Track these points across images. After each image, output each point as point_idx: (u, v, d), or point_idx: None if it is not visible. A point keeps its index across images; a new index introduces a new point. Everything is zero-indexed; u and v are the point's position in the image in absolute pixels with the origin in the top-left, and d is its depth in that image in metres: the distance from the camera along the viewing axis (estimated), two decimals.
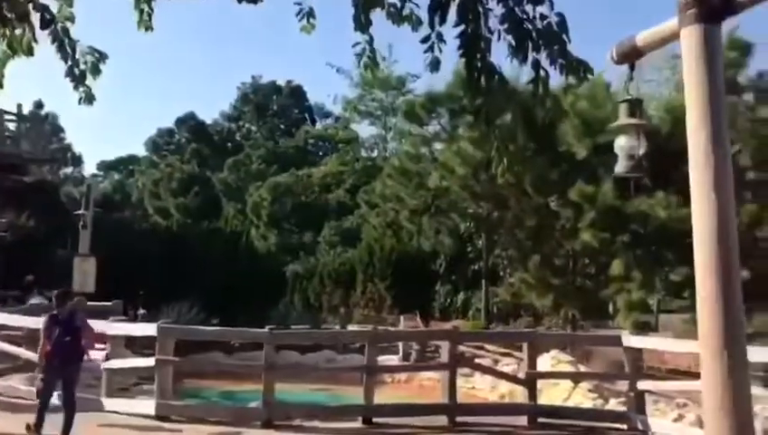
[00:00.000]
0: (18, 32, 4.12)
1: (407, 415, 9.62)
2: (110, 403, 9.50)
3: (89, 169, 52.31)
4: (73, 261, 19.62)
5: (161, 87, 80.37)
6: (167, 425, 9.00)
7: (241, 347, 15.46)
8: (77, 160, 51.86)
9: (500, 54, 3.57)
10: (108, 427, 8.73)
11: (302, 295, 28.25)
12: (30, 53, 4.24)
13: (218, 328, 12.97)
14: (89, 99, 4.31)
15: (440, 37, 3.65)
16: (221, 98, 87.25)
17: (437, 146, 23.27)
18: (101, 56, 4.23)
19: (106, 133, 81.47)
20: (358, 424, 9.36)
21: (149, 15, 4.51)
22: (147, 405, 9.35)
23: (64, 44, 4.10)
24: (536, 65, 3.41)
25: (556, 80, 3.80)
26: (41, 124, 41.01)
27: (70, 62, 4.15)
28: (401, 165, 23.11)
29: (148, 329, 9.93)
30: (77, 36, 4.23)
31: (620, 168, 5.33)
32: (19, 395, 10.00)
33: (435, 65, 3.74)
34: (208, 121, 55.40)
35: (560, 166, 17.46)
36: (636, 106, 5.34)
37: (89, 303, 17.65)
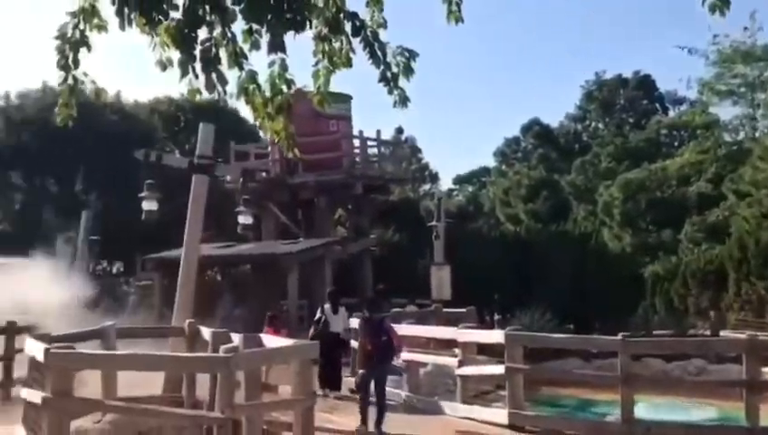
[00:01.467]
0: (336, 45, 4.21)
1: None
2: (464, 409, 9.63)
3: (445, 184, 55.91)
4: (430, 270, 20.78)
5: (504, 96, 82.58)
6: None
7: (599, 353, 14.61)
8: (434, 177, 56.03)
9: None
10: (463, 434, 8.81)
11: (663, 298, 25.99)
12: (349, 64, 4.28)
13: (565, 335, 12.41)
14: (403, 101, 4.22)
15: None
16: (564, 100, 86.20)
17: None
18: (412, 55, 4.11)
19: (460, 149, 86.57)
20: None
21: (458, 5, 4.30)
22: (500, 414, 9.21)
23: (374, 49, 4.06)
24: None
25: None
26: (401, 147, 45.01)
27: (382, 67, 4.11)
28: None
29: (495, 336, 9.83)
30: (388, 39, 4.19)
31: None
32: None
33: None
34: (553, 125, 55.09)
35: None
36: None
37: (444, 310, 18.68)
